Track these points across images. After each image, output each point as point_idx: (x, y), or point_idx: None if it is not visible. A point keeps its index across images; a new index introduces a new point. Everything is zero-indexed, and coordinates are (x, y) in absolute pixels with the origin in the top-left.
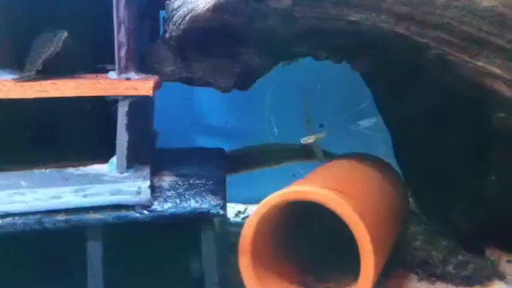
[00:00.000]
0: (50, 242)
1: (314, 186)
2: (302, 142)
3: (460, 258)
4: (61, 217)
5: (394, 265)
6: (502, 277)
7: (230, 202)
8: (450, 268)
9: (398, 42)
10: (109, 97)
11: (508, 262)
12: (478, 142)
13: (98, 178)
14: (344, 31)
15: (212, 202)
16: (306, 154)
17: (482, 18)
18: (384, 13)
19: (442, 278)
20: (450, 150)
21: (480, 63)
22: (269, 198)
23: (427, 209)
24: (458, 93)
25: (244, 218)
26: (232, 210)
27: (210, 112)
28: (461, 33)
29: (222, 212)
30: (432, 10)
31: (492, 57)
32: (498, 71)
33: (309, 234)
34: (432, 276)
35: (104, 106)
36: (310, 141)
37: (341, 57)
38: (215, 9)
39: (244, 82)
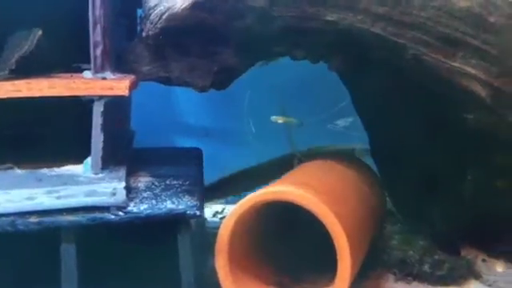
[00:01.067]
0: (24, 245)
1: (290, 187)
2: (271, 119)
3: (436, 257)
4: (34, 218)
5: (370, 265)
6: (477, 276)
7: (208, 201)
8: (426, 267)
9: (376, 42)
10: (84, 97)
11: (483, 261)
12: (455, 143)
13: (72, 179)
14: (321, 31)
15: (189, 202)
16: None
17: (458, 19)
18: (361, 13)
19: (419, 277)
20: (427, 151)
21: (456, 63)
22: (246, 198)
23: (404, 208)
24: (436, 93)
25: (222, 219)
26: (209, 210)
27: (187, 111)
28: (437, 33)
29: (198, 213)
30: (409, 11)
31: (468, 57)
32: (473, 71)
33: (286, 235)
34: (408, 276)
35: (79, 106)
36: (279, 121)
37: (318, 57)
38: (193, 7)
39: (221, 81)
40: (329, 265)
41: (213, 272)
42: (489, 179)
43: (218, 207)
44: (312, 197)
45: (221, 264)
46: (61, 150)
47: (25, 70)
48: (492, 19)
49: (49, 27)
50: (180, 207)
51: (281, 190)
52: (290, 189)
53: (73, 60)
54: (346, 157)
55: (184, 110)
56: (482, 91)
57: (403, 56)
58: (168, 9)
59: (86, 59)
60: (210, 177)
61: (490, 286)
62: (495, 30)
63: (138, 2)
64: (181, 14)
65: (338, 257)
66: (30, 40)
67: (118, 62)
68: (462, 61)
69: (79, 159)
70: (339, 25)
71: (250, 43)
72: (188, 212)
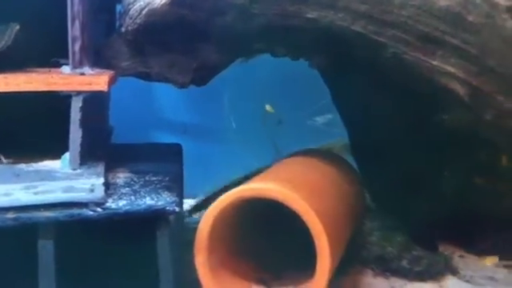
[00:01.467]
0: (0, 241)
1: (270, 183)
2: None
3: (414, 253)
4: (11, 214)
5: (349, 260)
6: (454, 272)
7: (187, 197)
8: (405, 263)
9: (356, 40)
10: (62, 92)
11: (460, 257)
12: (434, 140)
13: (50, 175)
14: (302, 28)
15: (168, 199)
16: None
17: (438, 18)
18: (341, 11)
19: (397, 273)
20: (405, 147)
21: (435, 62)
22: (225, 195)
23: (382, 205)
24: (415, 91)
25: (201, 215)
26: (189, 205)
27: (166, 107)
28: (417, 32)
29: (177, 209)
30: (389, 9)
31: (447, 56)
32: (452, 70)
33: (266, 231)
34: (387, 271)
35: (57, 101)
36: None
37: (299, 54)
38: (172, 3)
39: (202, 77)
40: (308, 261)
41: (192, 268)
42: (467, 176)
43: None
44: (292, 193)
45: (200, 261)
46: (38, 146)
47: (2, 65)
48: (471, 18)
49: (26, 22)
50: (159, 203)
51: (260, 186)
52: (270, 185)
53: (51, 55)
54: (325, 153)
55: (163, 106)
56: (460, 90)
57: (383, 54)
58: (147, 4)
59: (64, 54)
60: (189, 173)
61: (467, 281)
62: (474, 29)
63: None
64: (160, 9)
65: (318, 253)
66: (7, 35)
67: (97, 58)
68: (442, 59)
69: (57, 155)
70: (320, 23)
71: (231, 40)
72: (167, 208)
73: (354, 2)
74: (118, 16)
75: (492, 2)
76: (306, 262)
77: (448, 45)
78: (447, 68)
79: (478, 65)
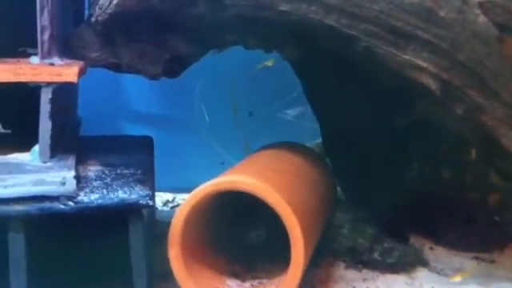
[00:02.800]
0: None
1: (243, 176)
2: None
3: (385, 245)
4: None
5: (321, 253)
6: (425, 264)
7: (158, 190)
8: (376, 255)
9: (329, 34)
10: (31, 83)
11: (430, 249)
12: (401, 132)
13: (19, 168)
14: (274, 20)
15: (141, 192)
16: None
17: (410, 12)
18: (314, 4)
19: (369, 265)
20: (374, 140)
21: (407, 56)
22: (199, 188)
23: (353, 197)
24: (386, 84)
25: (173, 208)
26: (160, 198)
27: (136, 97)
28: (389, 26)
29: (151, 203)
30: (361, 3)
31: (418, 50)
32: (424, 64)
33: (238, 223)
34: (359, 263)
35: (25, 91)
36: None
37: (271, 46)
38: None
39: (173, 69)
40: (281, 252)
41: (164, 261)
42: (434, 168)
43: (168, 196)
44: (265, 186)
45: (174, 254)
46: (5, 138)
47: None
48: (443, 13)
49: None
50: (132, 197)
51: (234, 179)
52: (243, 178)
53: (18, 44)
54: (297, 146)
55: (133, 97)
56: (432, 84)
57: (355, 48)
58: None
59: (32, 43)
60: (160, 165)
61: (437, 273)
62: (445, 23)
63: None
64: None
65: (292, 245)
66: None
67: (65, 47)
68: (413, 54)
69: (25, 147)
70: (292, 15)
71: (202, 31)
72: (140, 202)
73: None
74: (87, 5)
75: None
76: (279, 254)
77: (419, 39)
78: (418, 62)
79: (449, 59)
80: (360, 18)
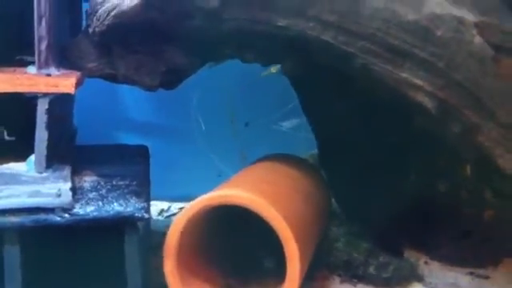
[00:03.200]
0: None
1: (239, 190)
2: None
3: (380, 259)
4: None
5: (316, 266)
6: (420, 279)
7: (154, 199)
8: (371, 269)
9: (325, 50)
10: (28, 93)
11: (425, 263)
12: (398, 145)
13: (14, 178)
14: (272, 35)
15: (136, 204)
16: None
17: (407, 31)
18: (312, 20)
19: (364, 279)
20: (370, 153)
21: (404, 74)
22: (194, 202)
23: (348, 209)
24: (383, 99)
25: (167, 217)
26: (155, 207)
27: (132, 107)
28: (386, 44)
29: (146, 216)
30: (359, 21)
31: (415, 69)
32: (420, 83)
33: (233, 236)
34: (354, 277)
35: (21, 102)
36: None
37: (268, 60)
38: (141, 5)
39: (170, 81)
40: (276, 266)
41: (159, 272)
42: (429, 182)
43: (164, 205)
44: (260, 200)
45: (169, 268)
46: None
47: None
48: (439, 33)
49: None
50: (128, 209)
51: (228, 193)
52: (238, 192)
53: (15, 52)
54: (292, 158)
55: (129, 106)
56: (428, 102)
57: (352, 65)
58: (116, 6)
59: (28, 51)
60: (155, 174)
61: None
62: (442, 42)
63: None
64: (129, 11)
65: (287, 259)
66: None
67: (62, 58)
68: (410, 72)
69: (20, 156)
70: (290, 30)
71: (200, 44)
72: (136, 214)
73: (324, 12)
74: (85, 16)
75: (461, 18)
76: (274, 267)
77: (416, 58)
78: (415, 81)
79: (445, 78)
80: (357, 35)
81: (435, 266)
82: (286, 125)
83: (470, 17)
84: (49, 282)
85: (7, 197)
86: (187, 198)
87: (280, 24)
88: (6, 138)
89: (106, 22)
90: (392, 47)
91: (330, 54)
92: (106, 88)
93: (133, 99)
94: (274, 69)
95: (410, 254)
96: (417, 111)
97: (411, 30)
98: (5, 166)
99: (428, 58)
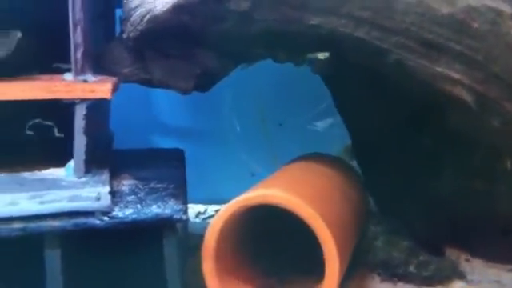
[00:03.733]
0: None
1: (275, 190)
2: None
3: (421, 258)
4: (17, 224)
5: (355, 266)
6: (462, 276)
7: (190, 202)
8: (412, 268)
9: (359, 46)
10: (66, 100)
11: (467, 261)
12: (434, 144)
13: (55, 184)
14: (304, 34)
15: (174, 206)
16: None
17: (441, 25)
18: (344, 17)
19: (404, 278)
20: (407, 152)
21: (440, 69)
22: (231, 202)
23: (385, 209)
24: (418, 96)
25: (204, 219)
26: (192, 210)
27: (166, 111)
28: (421, 38)
29: (184, 217)
30: (392, 16)
31: (451, 62)
32: (457, 76)
33: (271, 236)
34: (394, 276)
35: (59, 108)
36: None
37: (301, 59)
38: (174, 10)
39: (203, 83)
40: (315, 265)
41: (198, 275)
42: (466, 180)
43: (200, 207)
44: (297, 200)
45: (208, 269)
46: (40, 154)
47: (4, 72)
48: (476, 25)
49: (27, 28)
50: (166, 211)
51: (266, 193)
52: (275, 192)
53: (51, 60)
54: (327, 157)
55: (163, 110)
56: (466, 96)
57: (386, 61)
58: (149, 11)
59: (64, 58)
60: (190, 178)
61: (474, 286)
62: (479, 35)
63: (116, 3)
64: (162, 16)
65: (326, 259)
66: (8, 42)
67: (96, 64)
68: (446, 66)
69: (59, 162)
70: (322, 29)
71: (231, 46)
72: (174, 216)
73: (357, 9)
74: (119, 22)
75: (497, 9)
76: (313, 267)
77: (452, 51)
78: (452, 74)
79: (483, 71)
80: (391, 30)
81: (477, 263)
82: (320, 124)
83: (506, 8)
84: (89, 286)
85: (49, 202)
86: (223, 201)
87: (312, 22)
88: (57, 134)
89: (140, 28)
90: (427, 41)
91: (363, 50)
92: (140, 93)
93: (166, 103)
94: (321, 55)
95: (450, 253)
96: (454, 106)
97: (446, 24)
98: (45, 171)
99: (465, 52)
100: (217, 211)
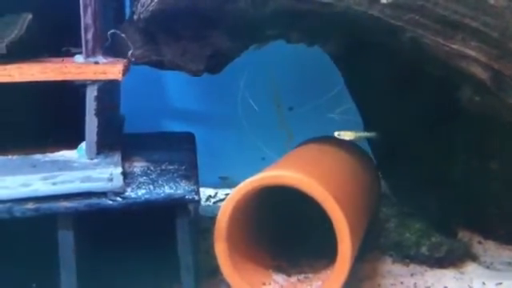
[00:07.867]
0: (19, 232)
1: (289, 171)
2: (335, 134)
3: (433, 239)
4: (31, 205)
5: (367, 247)
6: (474, 258)
7: (200, 186)
8: (424, 250)
9: (372, 25)
10: (77, 81)
11: (479, 243)
12: (449, 126)
13: (67, 165)
14: (317, 13)
15: (186, 187)
16: None
17: (457, 1)
18: None
19: (416, 259)
20: (420, 134)
21: (455, 46)
22: (244, 183)
23: (398, 191)
24: (433, 76)
25: (215, 203)
26: (202, 194)
27: (178, 95)
28: (436, 16)
29: (196, 197)
30: None
31: (467, 39)
32: (473, 53)
33: (282, 219)
34: (406, 258)
35: (70, 90)
36: (346, 137)
37: (313, 40)
38: None
39: (215, 65)
40: (326, 247)
41: (210, 257)
42: (481, 162)
43: (210, 191)
44: (311, 181)
45: (220, 249)
46: (52, 135)
47: (15, 55)
48: (492, 1)
49: (38, 10)
50: (178, 192)
51: (279, 174)
52: (289, 173)
53: (62, 43)
54: (339, 140)
55: (174, 94)
56: (482, 74)
57: (400, 39)
58: None
59: (75, 42)
60: (201, 161)
61: (487, 267)
62: (495, 12)
63: None
64: None
65: (339, 240)
66: (19, 24)
67: (108, 46)
68: (462, 43)
69: (72, 144)
70: (336, 7)
71: (243, 27)
72: (186, 196)
73: None
74: (128, 3)
75: None
76: (323, 249)
77: (468, 28)
78: (468, 52)
79: (500, 48)
80: (405, 7)
81: (490, 245)
82: (332, 109)
83: None
84: (102, 266)
85: (61, 183)
86: (233, 184)
87: (326, 1)
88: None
89: (151, 8)
90: (442, 18)
91: (377, 29)
92: (151, 76)
93: (178, 87)
94: (347, 135)
95: (463, 234)
96: (469, 84)
97: (462, 0)
98: (57, 153)
99: (481, 28)
100: (227, 195)
